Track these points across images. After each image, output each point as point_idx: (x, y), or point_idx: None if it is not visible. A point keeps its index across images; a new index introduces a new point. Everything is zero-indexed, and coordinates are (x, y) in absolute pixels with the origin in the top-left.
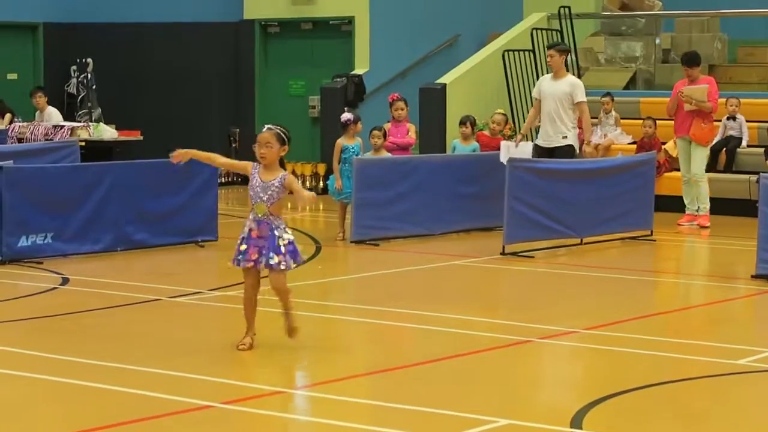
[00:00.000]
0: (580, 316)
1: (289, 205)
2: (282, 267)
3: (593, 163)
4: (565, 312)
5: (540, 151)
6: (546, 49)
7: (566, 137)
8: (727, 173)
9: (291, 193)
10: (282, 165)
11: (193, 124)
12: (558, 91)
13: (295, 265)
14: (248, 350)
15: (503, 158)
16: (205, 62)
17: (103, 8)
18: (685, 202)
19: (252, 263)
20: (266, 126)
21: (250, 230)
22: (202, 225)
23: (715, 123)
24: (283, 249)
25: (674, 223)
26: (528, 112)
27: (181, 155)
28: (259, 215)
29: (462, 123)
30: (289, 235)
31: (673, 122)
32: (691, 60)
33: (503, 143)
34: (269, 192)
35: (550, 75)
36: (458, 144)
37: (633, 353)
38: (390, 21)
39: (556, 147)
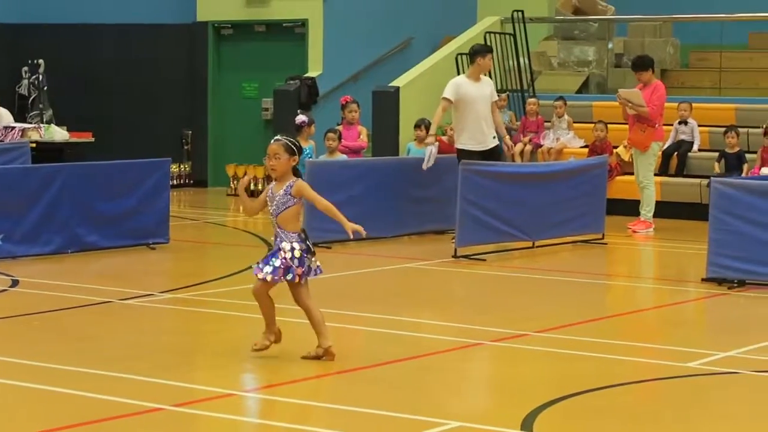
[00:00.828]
0: (531, 318)
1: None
2: (261, 276)
3: (546, 167)
4: (516, 315)
5: (471, 155)
6: (476, 54)
7: (495, 137)
8: (678, 177)
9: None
10: (296, 174)
11: (146, 125)
12: (486, 93)
13: (275, 279)
14: (262, 351)
15: (428, 164)
16: (157, 64)
17: (54, 9)
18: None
19: (262, 276)
20: (274, 138)
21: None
22: (153, 227)
23: (666, 127)
24: (277, 262)
25: (626, 227)
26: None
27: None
28: (275, 228)
29: (417, 126)
30: (290, 250)
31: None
32: (636, 65)
33: (427, 149)
34: (275, 202)
35: (464, 78)
36: (413, 147)
37: (584, 356)
38: (343, 24)
39: (492, 148)
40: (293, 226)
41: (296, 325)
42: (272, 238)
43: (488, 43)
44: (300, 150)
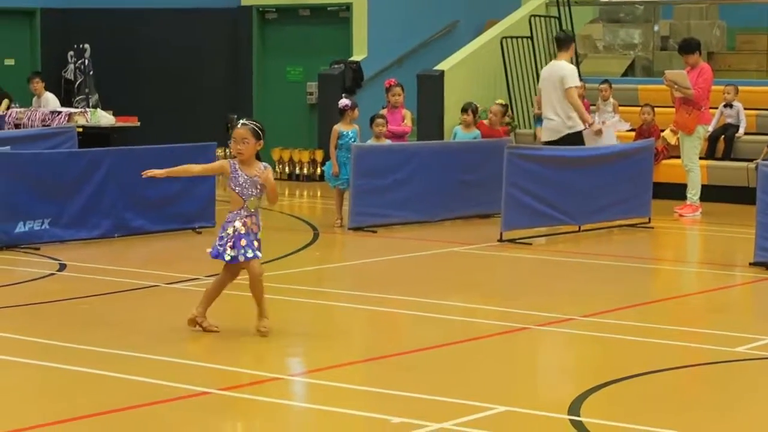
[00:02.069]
0: (577, 303)
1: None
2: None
3: (591, 151)
4: (562, 299)
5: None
6: (572, 40)
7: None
8: (725, 161)
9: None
10: (258, 158)
11: (191, 110)
12: None
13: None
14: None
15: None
16: (202, 48)
17: None
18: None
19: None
20: (240, 122)
21: (245, 225)
22: (199, 211)
23: (712, 110)
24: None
25: (673, 210)
26: (527, 98)
27: (153, 174)
28: (252, 209)
29: (464, 110)
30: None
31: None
32: (683, 48)
33: (612, 125)
34: (258, 186)
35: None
36: (459, 131)
37: (630, 340)
38: (388, 7)
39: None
40: (258, 207)
41: (338, 309)
42: (246, 217)
43: (533, 27)
44: (264, 134)
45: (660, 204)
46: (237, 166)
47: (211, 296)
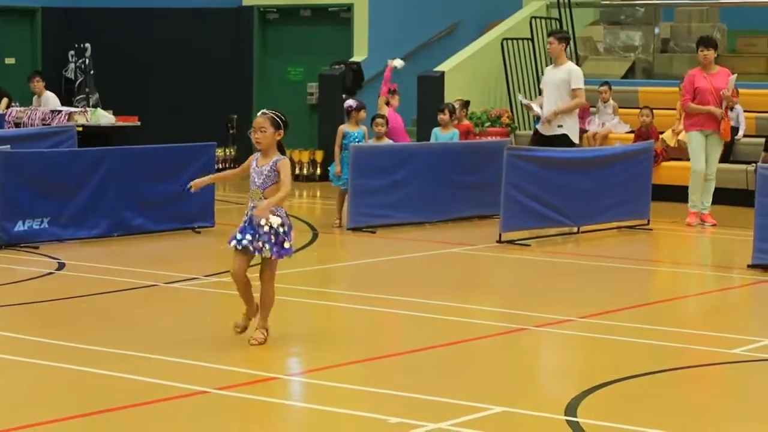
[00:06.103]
0: (575, 304)
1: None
2: (273, 257)
3: (591, 152)
4: (560, 300)
5: (539, 138)
6: (546, 36)
7: (561, 126)
8: (724, 163)
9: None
10: (281, 150)
11: (191, 110)
12: (557, 78)
13: (279, 257)
14: (243, 333)
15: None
16: (203, 48)
17: None
18: (694, 198)
19: (246, 244)
20: (261, 111)
21: (249, 216)
22: (199, 211)
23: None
24: (274, 239)
25: (672, 213)
26: (528, 99)
27: (198, 184)
28: (255, 200)
29: (441, 110)
30: (281, 224)
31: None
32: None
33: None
34: (262, 177)
35: (552, 64)
36: (438, 132)
37: (628, 342)
38: (389, 8)
39: (552, 135)
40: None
41: (336, 309)
42: (250, 208)
43: (533, 28)
44: (286, 125)
45: (659, 206)
46: (257, 157)
47: (241, 293)
